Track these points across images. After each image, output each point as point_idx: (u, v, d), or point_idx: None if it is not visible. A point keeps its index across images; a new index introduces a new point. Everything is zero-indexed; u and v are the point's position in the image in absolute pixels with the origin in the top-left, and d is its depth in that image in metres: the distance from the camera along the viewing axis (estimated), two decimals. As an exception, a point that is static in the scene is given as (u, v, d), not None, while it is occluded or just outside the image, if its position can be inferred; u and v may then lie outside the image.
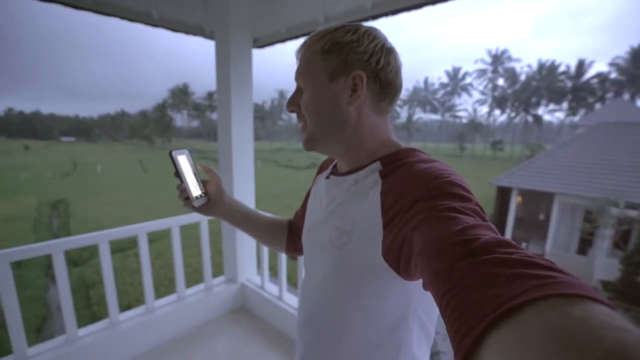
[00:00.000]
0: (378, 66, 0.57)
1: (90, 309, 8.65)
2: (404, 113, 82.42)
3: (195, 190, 0.77)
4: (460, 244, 0.35)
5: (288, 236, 0.90)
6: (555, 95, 53.28)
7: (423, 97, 78.20)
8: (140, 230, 2.00)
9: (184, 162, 0.75)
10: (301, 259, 1.89)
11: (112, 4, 2.22)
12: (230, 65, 2.12)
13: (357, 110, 0.59)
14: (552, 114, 59.06)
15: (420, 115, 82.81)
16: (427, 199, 0.44)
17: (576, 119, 51.92)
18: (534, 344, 0.22)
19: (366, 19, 2.36)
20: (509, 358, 0.24)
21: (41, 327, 8.28)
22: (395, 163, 0.57)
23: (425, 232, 0.41)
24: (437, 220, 0.40)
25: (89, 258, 10.40)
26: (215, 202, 0.82)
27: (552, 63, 51.91)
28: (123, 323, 1.98)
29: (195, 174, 0.78)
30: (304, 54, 0.61)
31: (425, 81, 77.30)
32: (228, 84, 2.16)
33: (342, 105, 0.58)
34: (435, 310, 0.61)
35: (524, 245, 11.35)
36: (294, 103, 0.63)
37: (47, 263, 10.29)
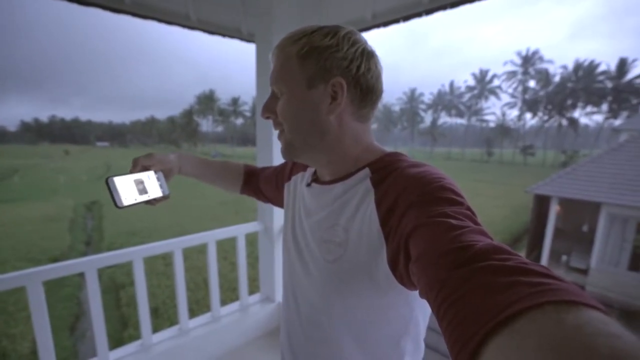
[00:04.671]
0: (359, 72, 0.54)
1: (120, 310, 8.84)
2: (428, 117, 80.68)
3: (153, 192, 0.70)
4: (456, 251, 0.35)
5: (244, 177, 0.92)
6: (594, 97, 49.86)
7: (448, 101, 76.11)
8: (176, 246, 1.86)
9: (124, 182, 0.64)
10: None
11: (150, 6, 2.13)
12: (273, 68, 1.95)
13: (337, 118, 0.56)
14: (589, 117, 55.31)
15: (445, 119, 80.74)
16: (419, 204, 0.43)
17: (617, 122, 48.58)
18: (530, 354, 0.22)
19: (419, 14, 2.13)
20: None
21: (74, 325, 8.55)
22: (385, 169, 0.54)
23: (419, 240, 0.40)
24: (430, 226, 0.40)
25: (120, 260, 10.65)
26: (172, 174, 0.79)
27: (591, 63, 48.54)
28: (156, 346, 1.84)
29: (141, 181, 0.68)
30: (279, 57, 0.57)
31: (451, 84, 75.27)
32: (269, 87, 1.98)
33: (322, 113, 0.55)
34: (427, 318, 0.60)
35: (564, 258, 10.54)
36: (270, 109, 0.59)
37: (81, 263, 10.67)
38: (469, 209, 0.43)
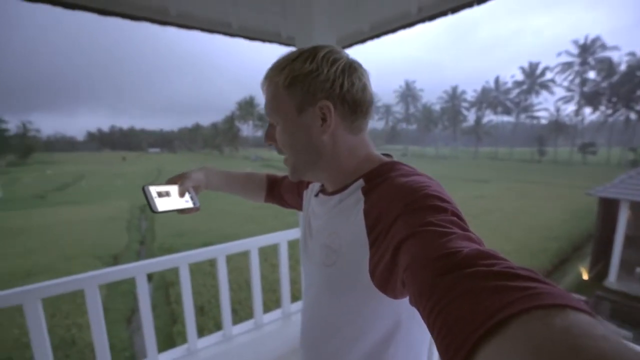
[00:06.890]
0: (342, 90, 0.56)
1: (170, 306, 9.40)
2: (471, 116, 76.50)
3: (185, 203, 0.76)
4: (442, 259, 0.35)
5: (267, 187, 0.96)
6: (671, 86, 43.80)
7: (493, 97, 71.50)
8: (220, 252, 1.87)
9: (160, 191, 0.72)
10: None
11: (194, 17, 2.19)
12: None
13: (330, 137, 0.58)
14: (665, 109, 48.48)
15: (490, 117, 75.93)
16: (405, 215, 0.44)
17: (701, 113, 42.06)
18: (520, 358, 0.23)
19: (470, 4, 1.95)
20: None
21: (130, 318, 9.27)
22: (376, 179, 0.56)
23: (408, 250, 0.41)
24: (416, 237, 0.40)
25: (169, 259, 11.36)
26: (200, 190, 0.85)
27: (665, 48, 42.62)
28: (201, 351, 1.86)
29: (170, 192, 0.75)
30: (268, 89, 0.60)
31: (496, 80, 70.55)
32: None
33: (315, 135, 0.58)
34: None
35: (638, 270, 9.26)
36: (271, 137, 0.64)
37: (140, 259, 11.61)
38: (454, 214, 0.43)
